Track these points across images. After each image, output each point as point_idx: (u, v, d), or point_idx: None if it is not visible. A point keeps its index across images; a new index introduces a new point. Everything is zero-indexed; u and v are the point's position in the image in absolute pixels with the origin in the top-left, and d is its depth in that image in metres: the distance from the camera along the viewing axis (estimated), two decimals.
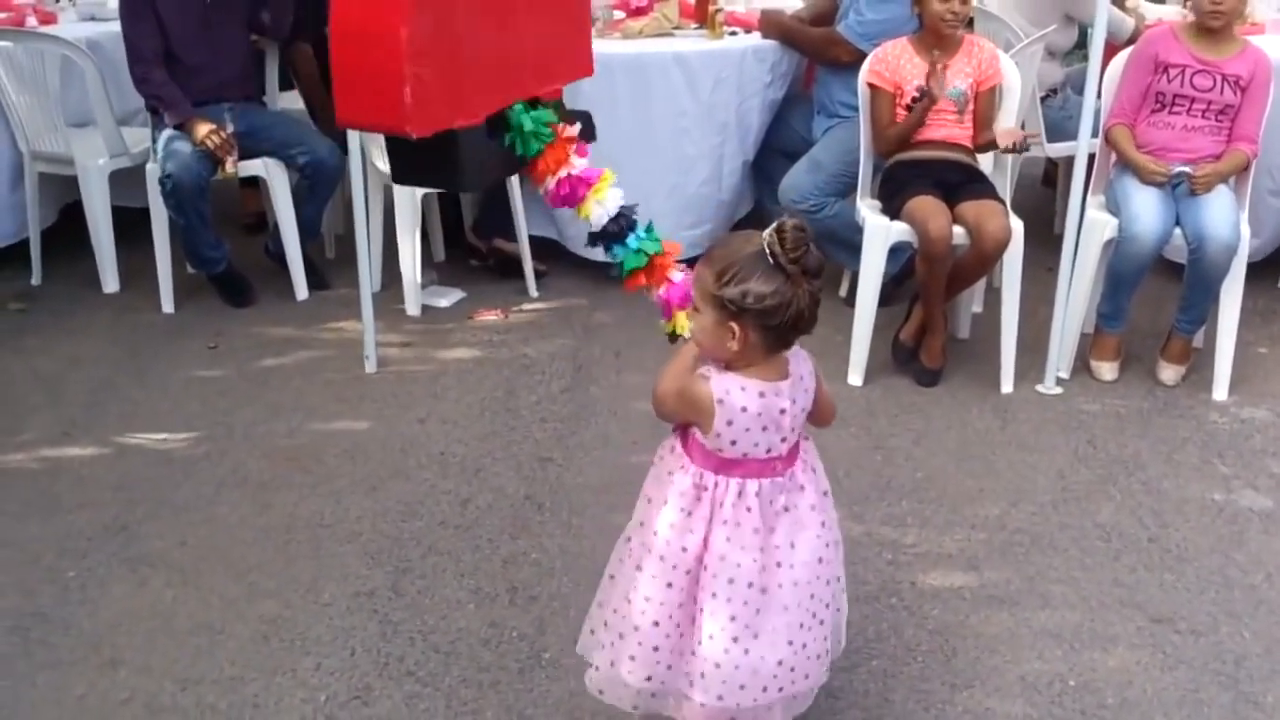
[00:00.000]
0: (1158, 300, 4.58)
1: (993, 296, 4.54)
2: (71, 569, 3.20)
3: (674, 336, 2.40)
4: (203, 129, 4.58)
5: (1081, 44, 5.51)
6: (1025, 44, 4.71)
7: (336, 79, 2.11)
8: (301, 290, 5.04)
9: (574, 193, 2.47)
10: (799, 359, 2.19)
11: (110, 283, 5.13)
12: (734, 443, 2.13)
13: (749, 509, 2.17)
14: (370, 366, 4.35)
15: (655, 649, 2.23)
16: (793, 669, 2.22)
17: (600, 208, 2.47)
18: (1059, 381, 4.19)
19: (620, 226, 2.49)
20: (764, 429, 2.13)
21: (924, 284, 4.16)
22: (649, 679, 2.26)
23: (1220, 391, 4.12)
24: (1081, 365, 4.29)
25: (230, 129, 4.66)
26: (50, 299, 5.08)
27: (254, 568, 3.19)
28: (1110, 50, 4.26)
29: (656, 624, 2.22)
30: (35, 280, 5.23)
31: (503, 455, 3.76)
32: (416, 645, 2.87)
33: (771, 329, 2.05)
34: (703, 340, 2.13)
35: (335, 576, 3.14)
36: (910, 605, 3.01)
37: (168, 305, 4.92)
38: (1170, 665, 2.79)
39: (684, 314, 2.29)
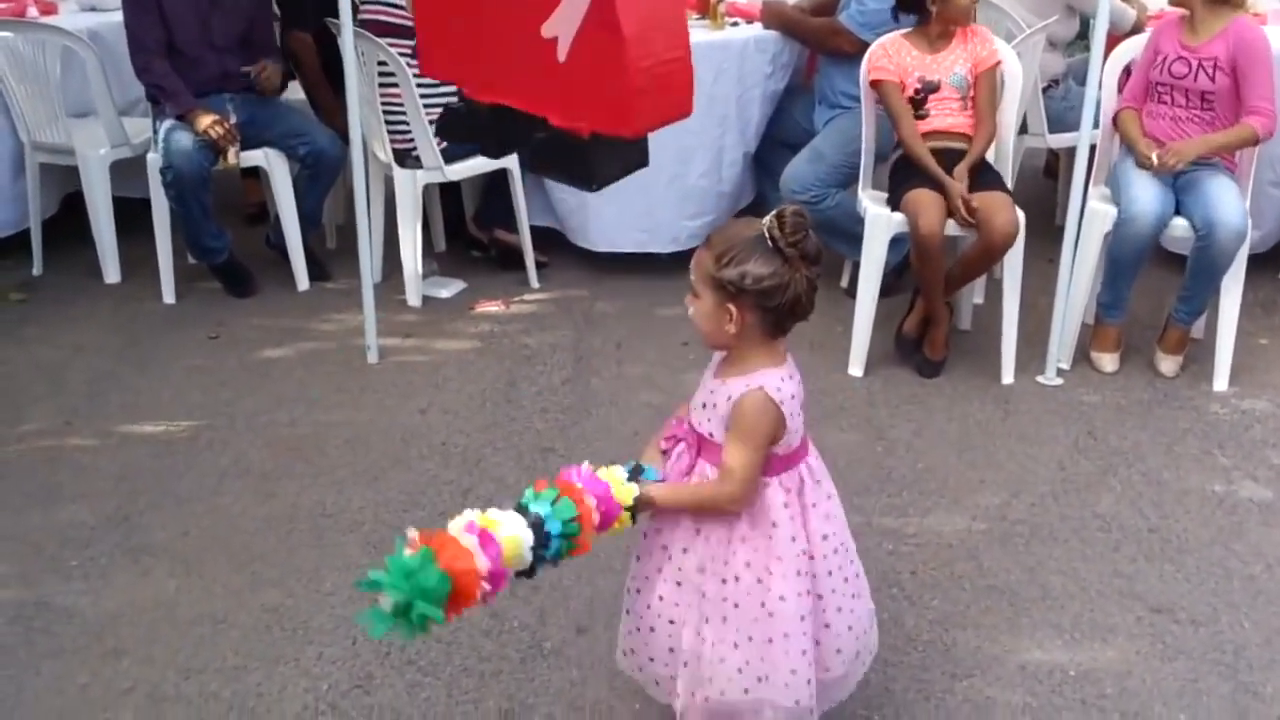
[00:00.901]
0: (1159, 292, 4.58)
1: (994, 288, 4.55)
2: (74, 559, 3.20)
3: (633, 514, 2.26)
4: (205, 119, 4.58)
5: (1083, 35, 5.50)
6: (1027, 35, 4.71)
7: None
8: (303, 281, 5.05)
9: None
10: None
11: (111, 273, 5.14)
12: (796, 431, 2.18)
13: (818, 481, 2.25)
14: (371, 357, 4.36)
15: (804, 652, 2.21)
16: (861, 626, 2.34)
17: None
18: (1060, 372, 4.19)
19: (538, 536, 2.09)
20: (801, 410, 2.19)
21: (920, 277, 4.16)
22: (808, 682, 2.24)
23: (1221, 383, 4.13)
24: (1082, 356, 4.29)
25: (233, 119, 4.66)
26: (51, 289, 5.09)
27: (256, 557, 3.20)
28: (1112, 41, 4.26)
29: (802, 618, 2.21)
30: (36, 270, 5.23)
31: (504, 446, 3.77)
32: None
33: (769, 311, 2.08)
34: (703, 325, 2.15)
35: (337, 566, 3.15)
36: (911, 595, 3.02)
37: (169, 296, 4.93)
38: (1170, 655, 2.80)
39: (618, 492, 2.19)
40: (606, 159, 2.20)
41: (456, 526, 1.98)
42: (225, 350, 4.49)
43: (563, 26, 2.07)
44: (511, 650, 2.82)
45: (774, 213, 2.06)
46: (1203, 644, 2.84)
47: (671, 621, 2.26)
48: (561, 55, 2.08)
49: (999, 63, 4.24)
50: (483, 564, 1.92)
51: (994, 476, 3.58)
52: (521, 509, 2.05)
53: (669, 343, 4.49)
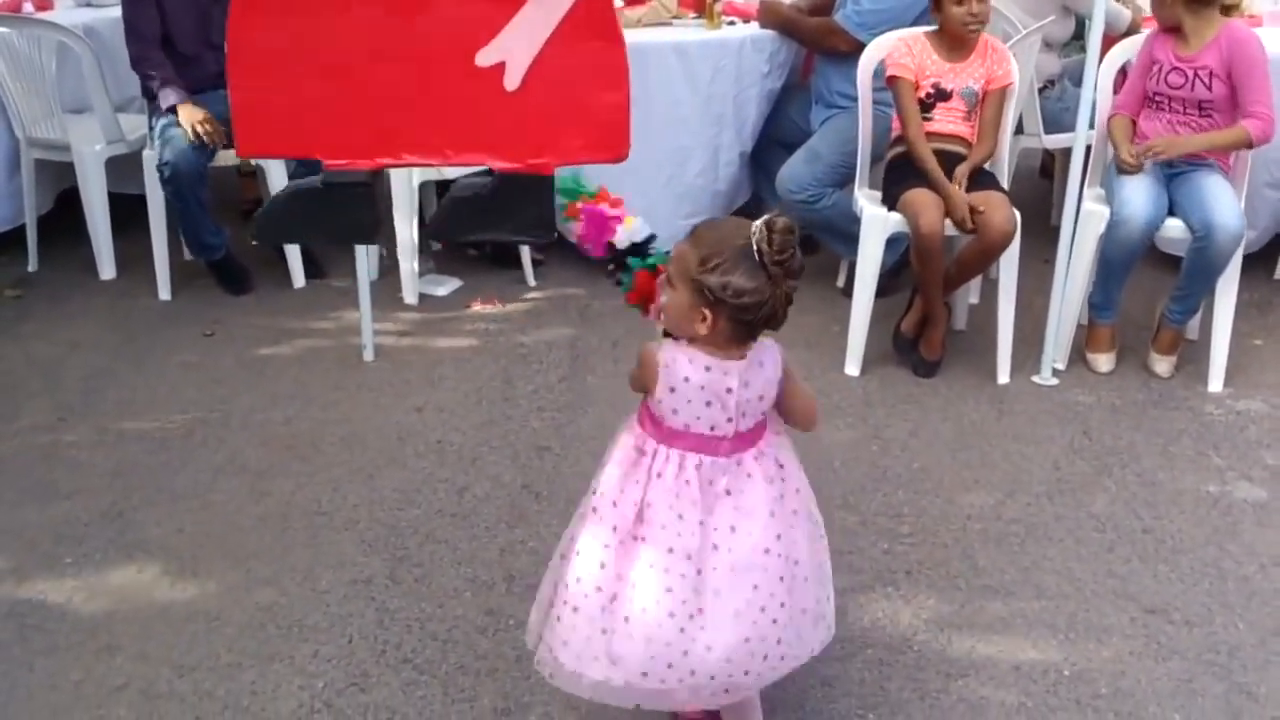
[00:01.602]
0: (1154, 293, 4.58)
1: (989, 288, 4.55)
2: (68, 555, 3.20)
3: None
4: (192, 115, 4.57)
5: (1079, 35, 5.51)
6: (1023, 35, 4.71)
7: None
8: (299, 278, 5.04)
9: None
10: (764, 348, 2.19)
11: (107, 269, 5.13)
12: (675, 411, 2.15)
13: (688, 482, 2.17)
14: (367, 355, 4.36)
15: (575, 610, 2.21)
16: (729, 660, 2.18)
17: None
18: (1055, 373, 4.20)
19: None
20: (707, 404, 2.14)
21: (919, 276, 4.16)
22: (565, 643, 2.23)
23: (1215, 383, 4.13)
24: (1078, 357, 4.30)
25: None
26: (46, 285, 5.08)
27: (251, 555, 3.20)
28: (1108, 42, 4.27)
29: (579, 580, 2.22)
30: (32, 267, 5.22)
31: (500, 444, 3.76)
32: (414, 633, 2.88)
33: (742, 323, 2.08)
34: (672, 316, 2.14)
35: (332, 564, 3.15)
36: (905, 594, 3.02)
37: (164, 292, 4.92)
38: (1164, 655, 2.81)
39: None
40: (550, 200, 2.11)
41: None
42: (221, 347, 4.49)
43: (515, 48, 1.93)
44: (507, 649, 2.82)
45: (763, 223, 2.03)
46: (1197, 644, 2.84)
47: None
48: (512, 83, 1.95)
49: (1010, 84, 4.22)
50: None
51: (989, 476, 3.59)
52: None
53: None
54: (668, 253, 2.25)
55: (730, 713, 2.41)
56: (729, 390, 2.14)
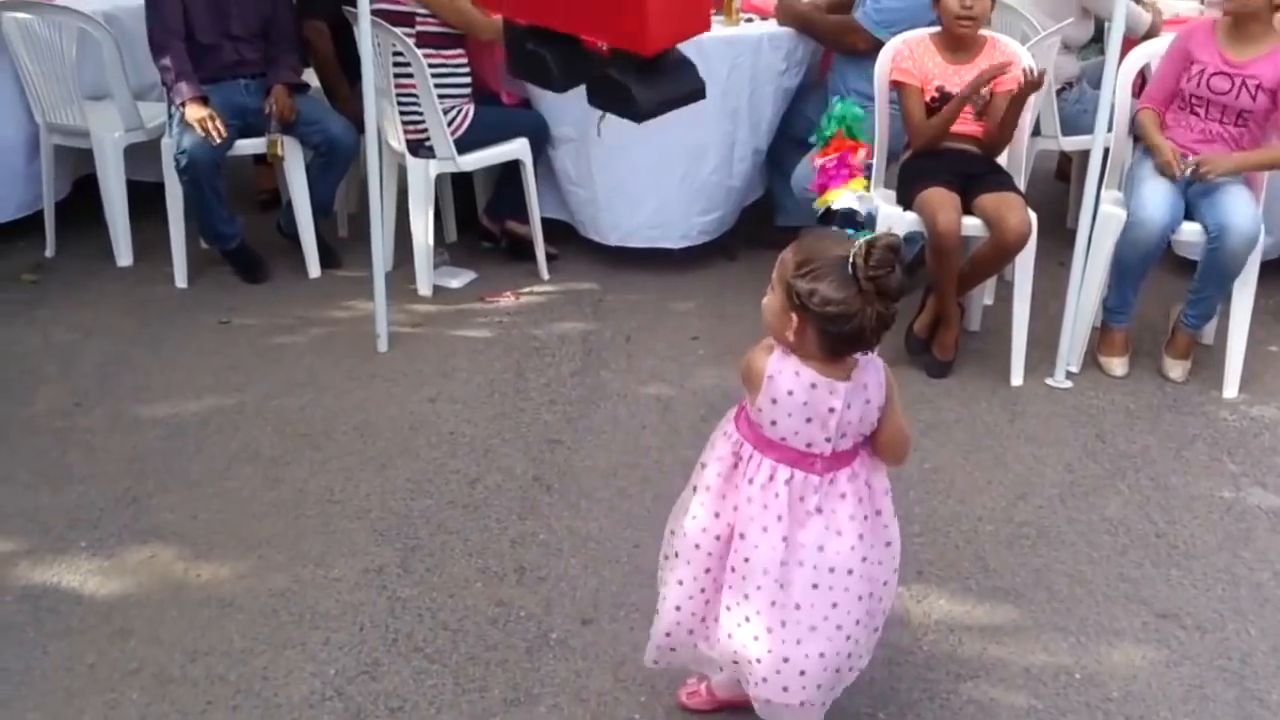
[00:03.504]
0: (1168, 297, 4.57)
1: (1004, 289, 4.55)
2: (83, 539, 3.22)
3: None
4: (197, 113, 4.57)
5: (1098, 38, 5.50)
6: (1042, 37, 4.70)
7: None
8: (314, 268, 5.05)
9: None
10: (871, 369, 2.19)
11: (124, 256, 5.14)
12: (774, 423, 2.16)
13: (776, 495, 2.18)
14: (381, 345, 4.36)
15: (677, 608, 2.32)
16: (803, 673, 2.23)
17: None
18: (1069, 375, 4.19)
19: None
20: (807, 420, 2.14)
21: (934, 276, 4.16)
22: (668, 635, 2.36)
23: (1230, 389, 4.12)
24: (1092, 360, 4.29)
25: (267, 107, 4.70)
26: (63, 271, 5.09)
27: (264, 542, 3.21)
28: (1127, 44, 4.25)
29: (681, 583, 2.31)
30: (49, 252, 5.23)
31: (512, 436, 3.77)
32: (425, 622, 2.89)
33: (829, 335, 2.07)
34: (768, 318, 2.16)
35: (344, 552, 3.16)
36: (916, 595, 3.02)
37: (181, 280, 4.93)
38: (1175, 661, 2.81)
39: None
40: (647, 84, 2.09)
41: None
42: (236, 335, 4.50)
43: None
44: (518, 640, 2.83)
45: (865, 240, 2.03)
46: (1209, 650, 2.84)
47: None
48: None
49: (1037, 85, 4.18)
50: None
51: (1001, 478, 3.59)
52: None
53: (678, 337, 4.49)
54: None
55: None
56: (831, 410, 2.14)
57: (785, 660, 2.22)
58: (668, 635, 2.38)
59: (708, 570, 2.29)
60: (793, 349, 2.13)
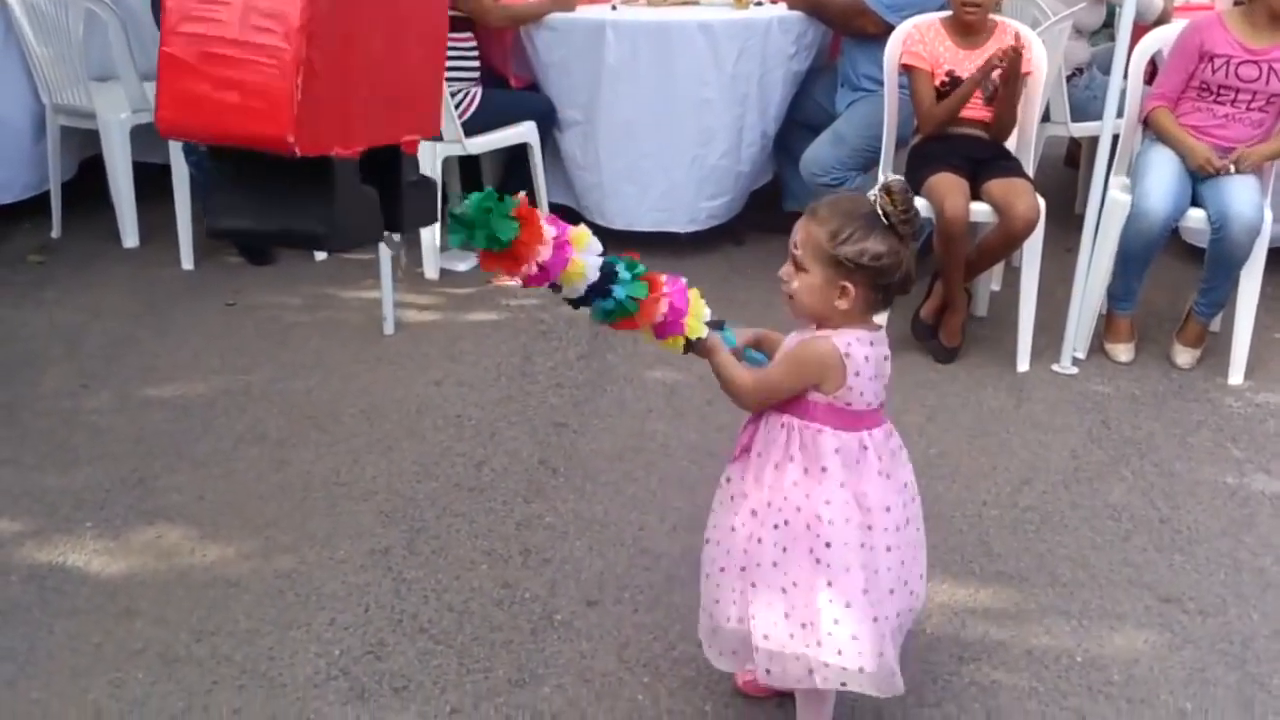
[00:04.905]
0: (1176, 284, 4.57)
1: (1011, 275, 4.54)
2: (89, 520, 3.23)
3: (688, 346, 2.30)
4: None
5: (1109, 23, 5.48)
6: (1052, 22, 4.69)
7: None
8: (321, 251, 5.06)
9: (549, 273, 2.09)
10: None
11: (130, 237, 5.15)
12: (862, 394, 2.18)
13: (892, 453, 2.26)
14: (388, 328, 4.37)
15: (848, 605, 2.20)
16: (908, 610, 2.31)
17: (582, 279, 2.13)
18: (1075, 362, 4.19)
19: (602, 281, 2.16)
20: (875, 377, 2.19)
21: (941, 261, 4.16)
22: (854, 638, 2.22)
23: (1236, 376, 4.12)
24: (1098, 346, 4.29)
25: None
26: (70, 252, 5.11)
27: (270, 523, 3.22)
28: (1138, 31, 4.24)
29: (847, 570, 2.19)
30: (55, 233, 5.25)
31: (518, 419, 3.78)
32: (430, 603, 2.89)
33: (881, 288, 2.13)
34: (806, 299, 2.16)
35: (350, 534, 3.17)
36: None
37: (187, 262, 4.94)
38: (1178, 645, 2.81)
39: (692, 319, 2.26)
40: (228, 193, 1.88)
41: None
42: (242, 317, 4.51)
43: None
44: (523, 621, 2.83)
45: (881, 187, 2.08)
46: (1211, 634, 2.85)
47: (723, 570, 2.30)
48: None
49: (1028, 74, 4.18)
50: (549, 233, 2.00)
51: (1006, 463, 3.59)
52: (605, 262, 2.13)
53: None
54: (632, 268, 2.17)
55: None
56: (886, 358, 2.21)
57: (914, 597, 2.29)
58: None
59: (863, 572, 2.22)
60: (841, 320, 2.16)
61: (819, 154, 4.74)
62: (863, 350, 2.15)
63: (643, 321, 2.19)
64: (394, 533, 3.18)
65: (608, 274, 2.12)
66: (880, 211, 2.07)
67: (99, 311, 4.54)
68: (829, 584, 2.17)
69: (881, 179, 2.12)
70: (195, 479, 3.43)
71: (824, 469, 2.18)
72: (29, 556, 3.07)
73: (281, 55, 1.66)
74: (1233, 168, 4.01)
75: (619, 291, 2.12)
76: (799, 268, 2.15)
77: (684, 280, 2.24)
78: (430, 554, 3.09)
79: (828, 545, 2.17)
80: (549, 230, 2.01)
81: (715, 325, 2.29)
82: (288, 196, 1.84)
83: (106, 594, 2.93)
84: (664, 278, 2.21)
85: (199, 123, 1.76)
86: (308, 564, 3.04)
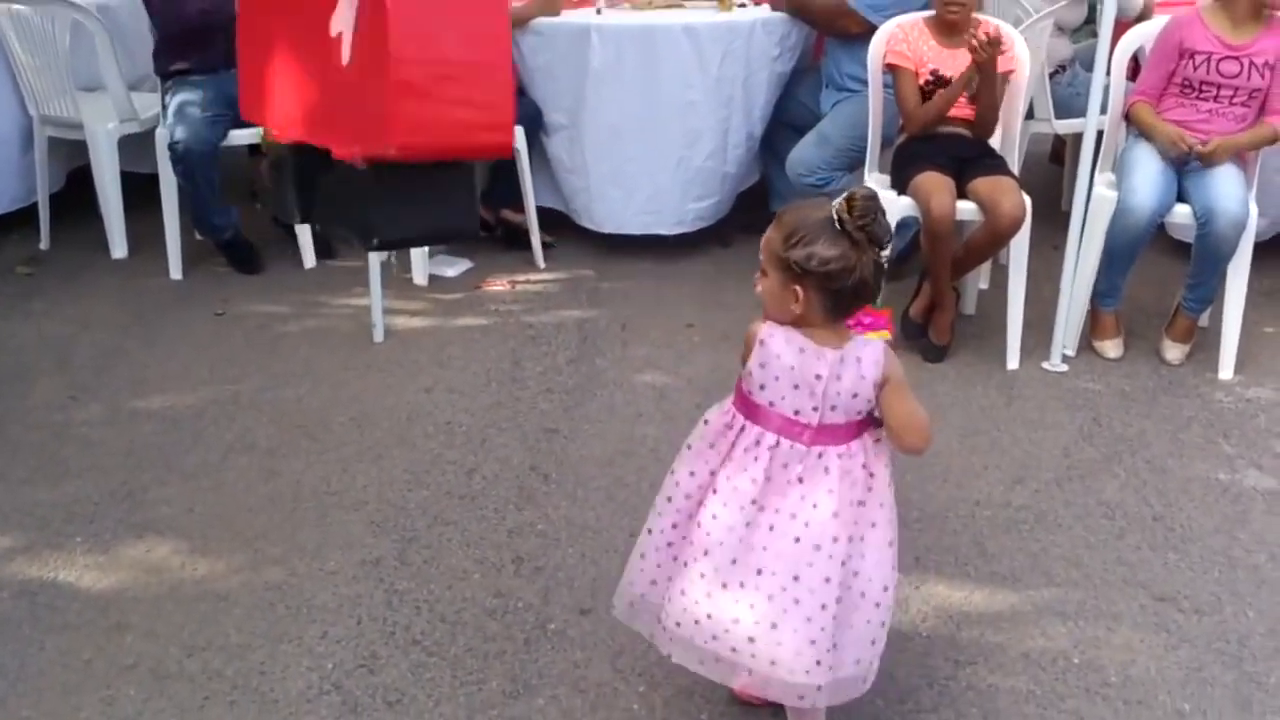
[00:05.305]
0: (1164, 279, 4.57)
1: (999, 273, 4.54)
2: (78, 534, 3.21)
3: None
4: None
5: (1090, 20, 5.48)
6: (1034, 20, 4.69)
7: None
8: (309, 258, 5.04)
9: None
10: (869, 347, 2.20)
11: (118, 248, 5.13)
12: (763, 387, 2.18)
13: (756, 458, 2.21)
14: (377, 335, 4.36)
15: (642, 556, 2.36)
16: (752, 639, 2.19)
17: None
18: (1065, 359, 4.19)
19: None
20: (795, 386, 2.17)
21: (929, 260, 4.16)
22: (631, 584, 2.40)
23: (1226, 371, 4.12)
24: (1087, 343, 4.29)
25: None
26: (58, 263, 5.08)
27: (260, 535, 3.21)
28: (1120, 27, 4.24)
29: (649, 531, 2.36)
30: (43, 245, 5.23)
31: (508, 425, 3.77)
32: (422, 614, 2.88)
33: (833, 293, 2.12)
34: (768, 302, 2.18)
35: (341, 544, 3.16)
36: (914, 581, 3.02)
37: (176, 271, 4.92)
38: (1174, 644, 2.81)
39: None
40: (390, 205, 1.94)
41: None
42: (231, 327, 4.49)
43: (343, 19, 1.84)
44: (516, 631, 2.82)
45: (845, 195, 2.08)
46: (1207, 633, 2.84)
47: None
48: (345, 56, 1.84)
49: (1011, 71, 4.17)
50: None
51: (998, 462, 3.59)
52: None
53: (674, 324, 4.48)
54: None
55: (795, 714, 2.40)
56: (818, 376, 2.16)
57: (735, 621, 2.20)
58: (631, 585, 2.41)
59: (675, 525, 2.32)
60: (798, 323, 2.17)
61: (804, 155, 4.73)
62: (780, 348, 2.16)
63: None
64: (385, 543, 3.16)
65: None
66: (836, 217, 2.07)
67: (88, 323, 4.52)
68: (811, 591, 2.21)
69: (866, 178, 2.13)
70: (185, 491, 3.41)
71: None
72: (19, 571, 3.06)
73: (501, 72, 1.86)
74: (1199, 145, 4.00)
75: None
76: (762, 271, 2.18)
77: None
78: (422, 564, 3.08)
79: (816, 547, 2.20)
80: None
81: None
82: (433, 200, 1.97)
83: (97, 609, 2.91)
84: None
85: (430, 141, 1.85)
86: (298, 576, 3.03)
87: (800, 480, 2.20)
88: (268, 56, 1.93)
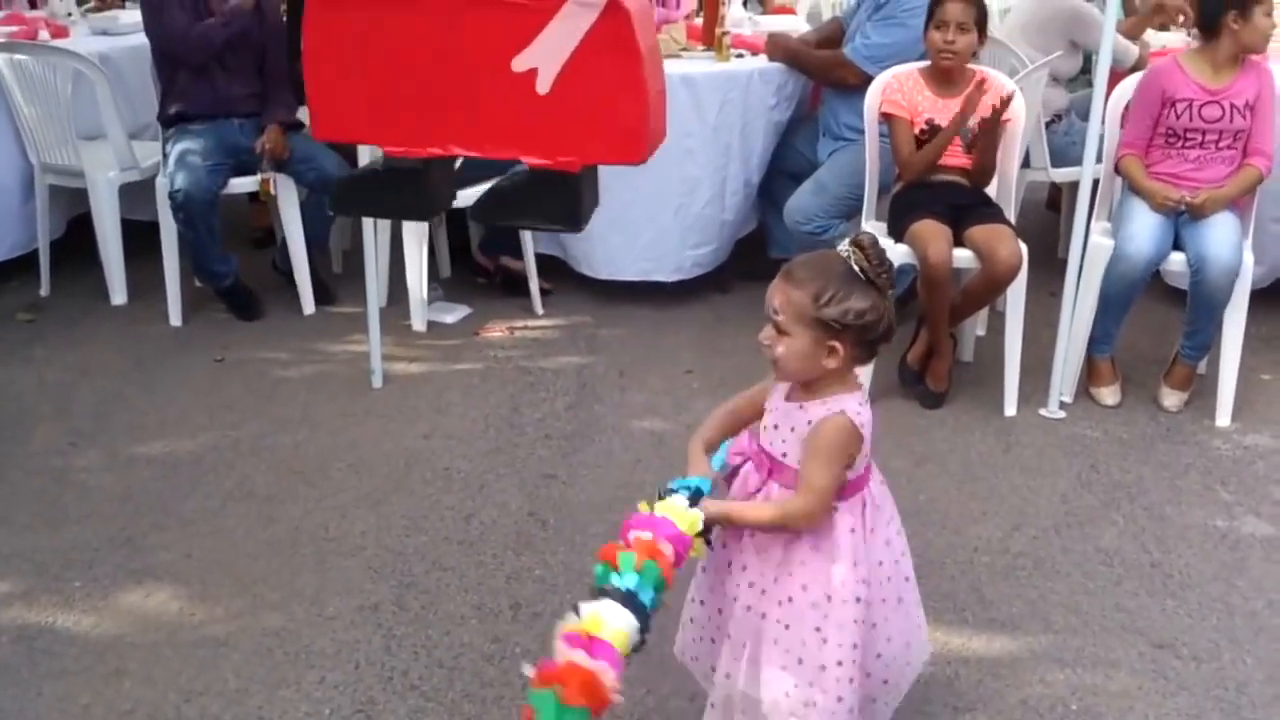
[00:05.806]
0: (1161, 326, 4.59)
1: (996, 320, 4.56)
2: (77, 579, 3.21)
3: (705, 539, 2.30)
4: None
5: (1086, 70, 5.54)
6: (1030, 70, 4.74)
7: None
8: (308, 305, 5.06)
9: None
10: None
11: (118, 295, 5.15)
12: (865, 456, 2.23)
13: (878, 506, 2.29)
14: (376, 381, 4.37)
15: (852, 680, 2.23)
16: (908, 644, 2.36)
17: None
18: (1062, 405, 4.20)
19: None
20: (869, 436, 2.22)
21: (926, 307, 4.18)
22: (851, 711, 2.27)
23: (1223, 418, 4.13)
24: (1084, 390, 4.30)
25: (258, 146, 4.75)
26: (58, 310, 5.10)
27: (259, 580, 3.21)
28: (1115, 77, 4.28)
29: (855, 646, 2.23)
30: (44, 291, 5.25)
31: (506, 471, 3.77)
32: (420, 660, 2.88)
33: (867, 343, 2.14)
34: (793, 363, 2.16)
35: (339, 590, 3.16)
36: None
37: (175, 318, 4.94)
38: (1172, 691, 2.80)
39: (689, 533, 2.23)
40: (588, 196, 2.15)
41: (562, 649, 2.01)
42: (231, 373, 4.51)
43: (544, 58, 2.05)
44: (514, 676, 2.82)
45: (850, 242, 2.09)
46: (1205, 680, 2.84)
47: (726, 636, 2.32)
48: (544, 87, 2.06)
49: (1008, 121, 4.18)
50: (610, 680, 1.96)
51: (996, 509, 3.59)
52: (606, 590, 2.07)
53: (672, 370, 4.50)
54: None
55: None
56: (871, 413, 2.23)
57: (895, 658, 2.34)
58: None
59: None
60: (831, 379, 2.18)
61: (802, 203, 4.76)
62: (867, 414, 2.19)
63: (669, 576, 2.14)
64: (383, 588, 3.16)
65: (634, 604, 2.06)
66: (856, 268, 2.08)
67: (88, 369, 4.53)
68: (838, 663, 2.21)
69: (864, 226, 2.15)
70: (183, 537, 3.41)
71: (836, 547, 2.20)
72: (18, 617, 3.06)
73: (639, 81, 1.94)
74: (1189, 198, 4.04)
75: (648, 598, 2.09)
76: (781, 332, 2.14)
77: (642, 510, 2.22)
78: (420, 609, 3.08)
79: (839, 625, 2.20)
80: (608, 677, 1.99)
81: (695, 499, 2.23)
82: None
83: (95, 654, 2.91)
84: (641, 533, 2.16)
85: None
86: (296, 621, 3.03)
87: (879, 506, 2.32)
88: (373, 78, 2.08)
